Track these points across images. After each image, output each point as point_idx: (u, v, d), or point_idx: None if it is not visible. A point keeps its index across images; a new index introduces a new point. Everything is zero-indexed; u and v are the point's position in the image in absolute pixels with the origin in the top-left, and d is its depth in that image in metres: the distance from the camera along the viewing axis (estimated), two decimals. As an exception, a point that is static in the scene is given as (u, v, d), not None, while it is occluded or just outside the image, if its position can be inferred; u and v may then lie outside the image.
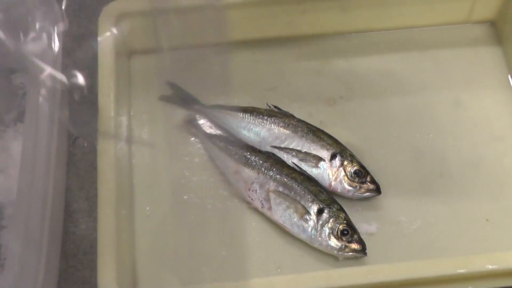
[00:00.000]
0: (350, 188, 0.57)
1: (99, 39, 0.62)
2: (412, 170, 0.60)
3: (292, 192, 0.57)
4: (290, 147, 0.60)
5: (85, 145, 0.66)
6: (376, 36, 0.69)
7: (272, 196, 0.57)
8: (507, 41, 0.67)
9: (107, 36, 0.62)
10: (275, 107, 0.62)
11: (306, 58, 0.66)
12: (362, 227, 0.57)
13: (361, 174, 0.58)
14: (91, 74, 0.66)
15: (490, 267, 0.50)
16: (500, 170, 0.60)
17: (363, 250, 0.54)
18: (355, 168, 0.58)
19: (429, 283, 0.53)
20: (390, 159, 0.61)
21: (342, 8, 0.65)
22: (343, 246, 0.55)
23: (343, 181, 0.58)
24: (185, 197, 0.59)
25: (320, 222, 0.56)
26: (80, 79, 0.63)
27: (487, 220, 0.57)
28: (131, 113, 0.63)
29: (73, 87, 0.62)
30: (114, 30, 0.62)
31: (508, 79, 0.66)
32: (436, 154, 0.61)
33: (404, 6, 0.67)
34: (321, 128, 0.61)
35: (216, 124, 0.63)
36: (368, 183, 0.57)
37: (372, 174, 0.58)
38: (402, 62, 0.67)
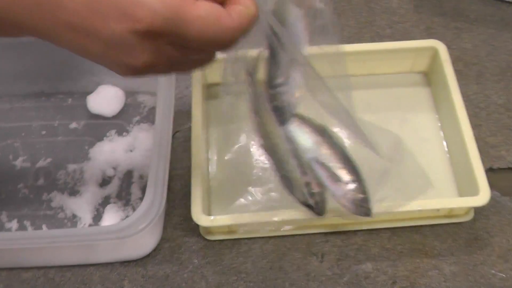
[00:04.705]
0: (352, 206, 0.73)
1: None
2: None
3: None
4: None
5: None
6: (363, 78, 0.97)
7: None
8: (433, 85, 0.94)
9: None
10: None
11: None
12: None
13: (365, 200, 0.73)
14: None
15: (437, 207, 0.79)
16: (425, 157, 0.87)
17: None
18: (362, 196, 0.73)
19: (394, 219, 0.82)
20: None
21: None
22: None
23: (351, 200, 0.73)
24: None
25: None
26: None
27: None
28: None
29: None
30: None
31: (433, 106, 0.96)
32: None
33: (376, 62, 0.94)
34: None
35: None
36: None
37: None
38: (373, 94, 0.94)
